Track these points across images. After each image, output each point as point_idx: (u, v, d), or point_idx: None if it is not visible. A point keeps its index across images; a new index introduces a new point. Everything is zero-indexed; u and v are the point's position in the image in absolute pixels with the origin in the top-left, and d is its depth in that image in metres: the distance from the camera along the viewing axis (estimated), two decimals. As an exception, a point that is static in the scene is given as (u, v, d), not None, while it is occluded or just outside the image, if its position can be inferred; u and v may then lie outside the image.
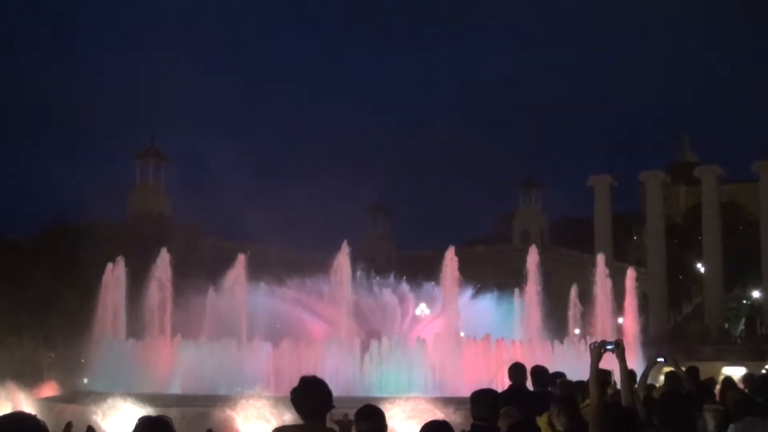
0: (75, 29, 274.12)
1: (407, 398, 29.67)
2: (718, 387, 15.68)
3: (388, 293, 47.94)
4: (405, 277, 51.41)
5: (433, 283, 47.12)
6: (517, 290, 46.57)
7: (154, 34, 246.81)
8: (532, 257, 44.91)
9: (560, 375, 12.88)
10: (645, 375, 13.59)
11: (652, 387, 14.31)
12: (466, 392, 9.49)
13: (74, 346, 51.68)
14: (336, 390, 7.12)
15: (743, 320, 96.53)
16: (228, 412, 30.45)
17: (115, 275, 42.96)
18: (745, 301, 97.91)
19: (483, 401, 8.66)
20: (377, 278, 50.57)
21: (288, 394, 6.94)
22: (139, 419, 6.49)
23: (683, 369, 13.96)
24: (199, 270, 46.30)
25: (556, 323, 46.19)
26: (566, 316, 47.16)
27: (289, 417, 25.44)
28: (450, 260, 40.77)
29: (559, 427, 9.69)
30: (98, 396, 34.67)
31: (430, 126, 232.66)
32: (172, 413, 21.70)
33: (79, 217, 69.89)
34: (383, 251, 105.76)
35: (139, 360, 39.94)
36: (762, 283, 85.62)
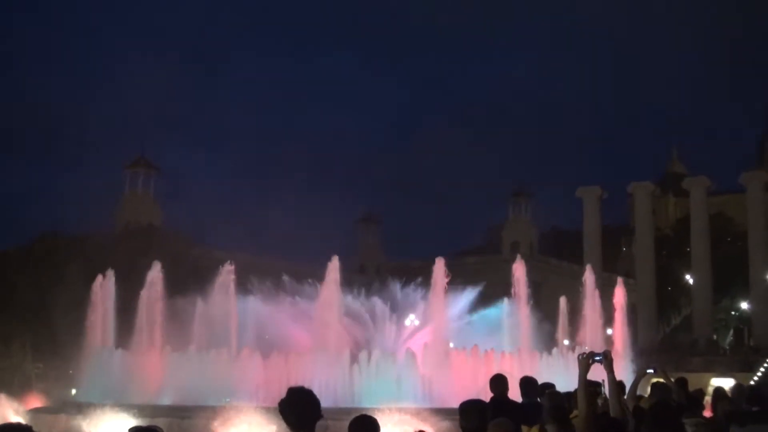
0: (64, 38, 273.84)
1: (396, 409, 29.61)
2: (707, 398, 15.71)
3: (379, 304, 47.87)
4: (399, 283, 51.28)
5: (421, 288, 47.07)
6: (506, 301, 46.57)
7: (144, 44, 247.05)
8: (520, 268, 44.93)
9: (549, 386, 12.89)
10: (634, 386, 13.61)
11: (641, 398, 14.33)
12: (455, 403, 9.49)
13: (62, 356, 51.48)
14: (325, 401, 7.11)
15: (731, 331, 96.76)
16: (216, 422, 30.35)
17: (104, 286, 42.83)
18: (733, 313, 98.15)
19: (472, 412, 8.66)
20: (365, 289, 50.47)
21: (277, 404, 6.93)
22: (129, 429, 6.49)
23: (672, 380, 13.99)
24: (188, 280, 46.18)
25: (545, 334, 46.22)
26: (555, 327, 47.21)
27: (277, 428, 25.40)
28: (439, 271, 40.76)
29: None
30: (87, 407, 34.52)
31: (419, 137, 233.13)
32: (160, 423, 21.63)
33: (69, 227, 69.80)
34: (373, 262, 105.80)
35: (128, 371, 39.78)
36: (750, 295, 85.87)
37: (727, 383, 43.60)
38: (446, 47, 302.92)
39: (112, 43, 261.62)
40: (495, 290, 51.05)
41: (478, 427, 8.58)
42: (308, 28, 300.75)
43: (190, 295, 41.96)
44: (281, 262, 79.09)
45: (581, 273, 51.97)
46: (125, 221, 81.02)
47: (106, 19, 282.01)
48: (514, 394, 12.79)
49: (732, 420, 10.57)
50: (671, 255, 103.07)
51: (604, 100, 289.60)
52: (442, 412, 28.17)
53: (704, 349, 78.44)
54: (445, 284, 40.88)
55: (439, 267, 40.78)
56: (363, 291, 49.27)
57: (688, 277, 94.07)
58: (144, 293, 41.91)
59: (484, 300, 50.22)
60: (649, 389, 13.51)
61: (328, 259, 40.46)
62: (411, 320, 49.24)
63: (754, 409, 11.31)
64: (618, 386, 10.50)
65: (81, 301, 44.16)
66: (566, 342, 47.09)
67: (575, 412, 9.95)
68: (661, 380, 13.66)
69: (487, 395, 12.09)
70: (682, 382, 14.70)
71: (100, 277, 43.13)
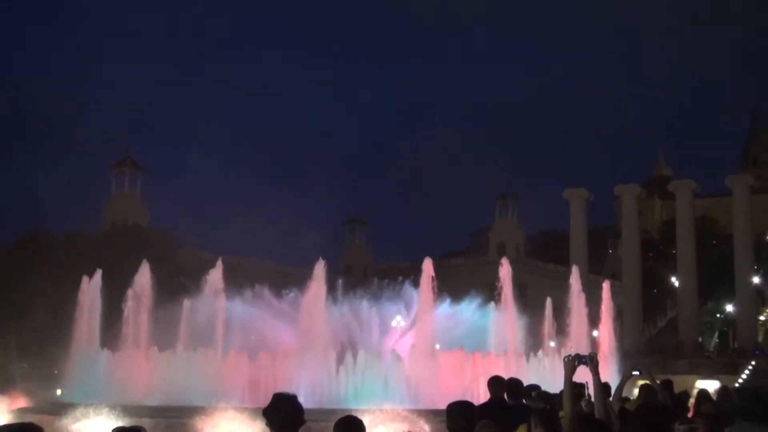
0: (50, 37, 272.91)
1: (382, 410, 29.59)
2: (692, 400, 15.77)
3: (365, 306, 47.83)
4: (387, 281, 51.23)
5: (411, 286, 47.06)
6: (492, 303, 46.57)
7: (132, 44, 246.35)
8: (506, 270, 44.93)
9: (535, 387, 12.92)
10: (620, 388, 13.64)
11: (626, 399, 14.37)
12: (442, 404, 9.51)
13: (47, 356, 51.22)
14: (311, 402, 7.12)
15: (717, 334, 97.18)
16: (202, 423, 30.27)
17: (90, 286, 42.65)
18: (718, 315, 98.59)
19: (459, 413, 8.68)
20: (351, 290, 50.42)
21: (262, 406, 6.95)
22: (113, 430, 6.50)
23: (658, 382, 14.04)
24: (174, 280, 46.03)
25: (531, 336, 46.23)
26: (541, 329, 47.22)
27: (261, 429, 25.38)
28: (426, 272, 40.75)
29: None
30: (72, 407, 34.37)
31: (406, 139, 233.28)
32: (145, 424, 21.56)
33: (55, 227, 69.53)
34: (360, 262, 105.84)
35: (114, 371, 39.64)
36: (735, 297, 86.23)
37: (712, 385, 43.85)
38: (434, 50, 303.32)
39: (99, 41, 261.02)
40: (481, 292, 51.11)
41: (465, 429, 8.59)
42: (301, 29, 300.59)
43: (176, 296, 41.85)
44: (267, 264, 79.20)
45: (567, 275, 52.01)
46: (111, 221, 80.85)
47: (93, 17, 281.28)
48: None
49: (723, 420, 10.58)
50: (657, 257, 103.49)
51: (591, 102, 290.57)
52: (428, 414, 28.17)
53: (690, 351, 78.74)
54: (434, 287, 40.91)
55: (427, 268, 40.78)
56: (349, 292, 49.20)
57: (673, 279, 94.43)
58: (130, 293, 41.77)
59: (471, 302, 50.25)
60: (635, 391, 13.56)
61: (315, 260, 40.41)
62: (397, 321, 49.24)
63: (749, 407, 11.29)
64: (603, 388, 10.52)
65: (66, 301, 43.99)
66: (552, 344, 47.13)
67: (561, 413, 9.98)
68: (647, 382, 13.71)
69: (473, 396, 12.10)
70: (668, 384, 14.76)
71: (85, 277, 42.96)
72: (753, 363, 72.05)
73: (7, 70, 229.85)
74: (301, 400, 7.18)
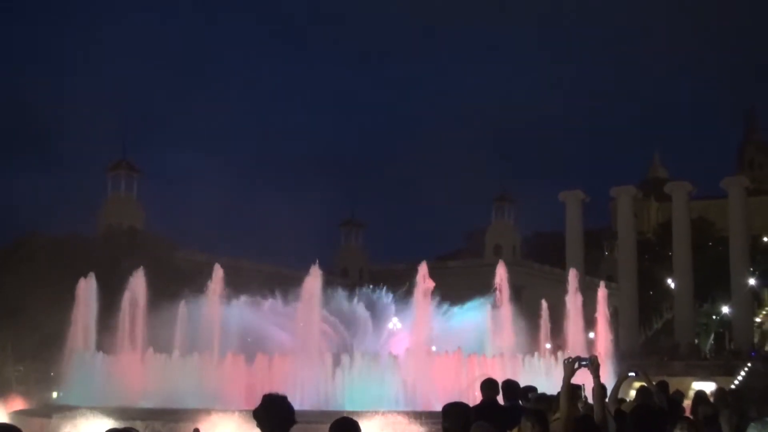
0: (46, 41, 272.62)
1: (379, 412, 29.59)
2: (687, 401, 15.79)
3: (361, 308, 47.83)
4: (383, 285, 51.20)
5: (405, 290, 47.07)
6: (488, 305, 46.56)
7: (128, 46, 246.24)
8: (502, 272, 44.93)
9: (531, 389, 12.94)
10: (616, 389, 13.65)
11: (622, 401, 14.39)
12: (438, 406, 9.50)
13: (43, 359, 51.14)
14: (307, 404, 7.13)
15: (713, 335, 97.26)
16: (197, 426, 30.23)
17: (86, 288, 42.59)
18: (714, 317, 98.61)
19: (454, 414, 8.68)
20: (347, 293, 50.40)
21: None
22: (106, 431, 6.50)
23: (654, 383, 14.05)
24: (170, 282, 45.96)
25: (527, 338, 46.23)
26: (538, 331, 47.23)
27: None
28: (422, 274, 40.72)
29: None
30: (67, 409, 34.35)
31: (403, 142, 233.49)
32: (141, 427, 21.56)
33: (51, 229, 69.39)
34: (356, 265, 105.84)
35: (110, 374, 39.60)
36: (731, 299, 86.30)
37: (708, 387, 43.90)
38: (429, 52, 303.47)
39: (96, 44, 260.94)
40: (477, 294, 51.10)
41: (460, 430, 8.59)
42: (296, 30, 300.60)
43: (172, 298, 41.80)
44: (264, 266, 79.21)
45: (563, 276, 52.04)
46: (107, 223, 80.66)
47: (91, 19, 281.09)
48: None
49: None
50: (653, 259, 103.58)
51: (587, 104, 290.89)
52: (424, 416, 28.17)
53: (685, 353, 78.77)
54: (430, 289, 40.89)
55: (423, 271, 40.75)
56: (345, 294, 49.20)
57: (669, 281, 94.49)
58: (126, 296, 41.73)
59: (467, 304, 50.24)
60: (631, 393, 13.58)
61: (311, 262, 40.38)
62: (393, 324, 49.24)
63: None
64: (601, 390, 10.53)
65: (62, 304, 43.93)
66: (548, 345, 47.14)
67: (557, 414, 9.99)
68: (644, 384, 13.73)
69: (469, 398, 12.12)
70: (663, 386, 14.79)
71: (82, 280, 42.91)
72: (749, 365, 72.09)
73: (3, 72, 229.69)
74: (297, 402, 7.19)
